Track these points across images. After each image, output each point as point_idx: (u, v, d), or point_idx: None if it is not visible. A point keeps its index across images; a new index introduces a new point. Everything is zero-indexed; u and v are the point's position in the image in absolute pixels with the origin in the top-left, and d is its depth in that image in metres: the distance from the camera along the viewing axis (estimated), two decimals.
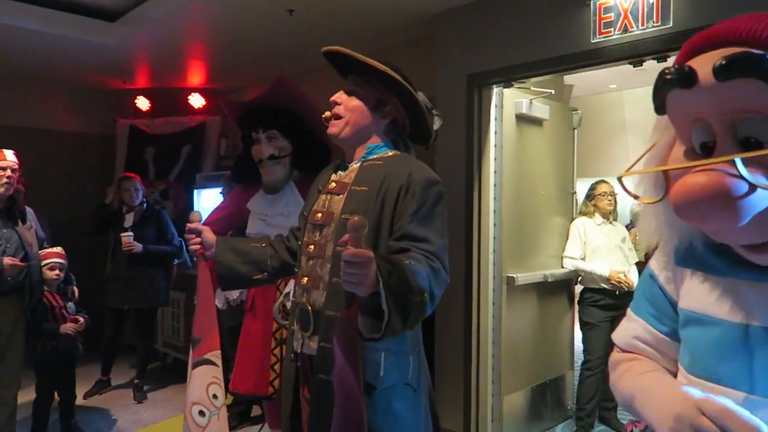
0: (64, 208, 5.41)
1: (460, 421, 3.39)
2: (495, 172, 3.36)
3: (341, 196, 1.63)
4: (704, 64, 0.74)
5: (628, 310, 1.07)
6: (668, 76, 0.76)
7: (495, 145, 3.36)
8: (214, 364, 1.57)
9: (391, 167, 1.59)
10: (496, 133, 3.36)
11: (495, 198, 3.37)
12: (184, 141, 5.82)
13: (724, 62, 0.71)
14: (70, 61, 4.86)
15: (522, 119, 3.49)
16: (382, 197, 1.54)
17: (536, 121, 3.61)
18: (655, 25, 2.60)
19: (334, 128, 1.67)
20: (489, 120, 3.35)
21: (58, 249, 3.49)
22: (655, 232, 0.91)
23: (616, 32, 2.72)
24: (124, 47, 4.40)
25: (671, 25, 2.54)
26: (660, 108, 0.83)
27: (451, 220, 3.40)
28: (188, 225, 1.78)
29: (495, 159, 3.36)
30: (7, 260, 3.03)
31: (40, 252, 3.35)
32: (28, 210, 3.36)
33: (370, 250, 1.26)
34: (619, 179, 0.84)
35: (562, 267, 3.71)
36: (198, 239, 1.76)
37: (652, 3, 2.60)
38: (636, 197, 0.87)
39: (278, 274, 1.87)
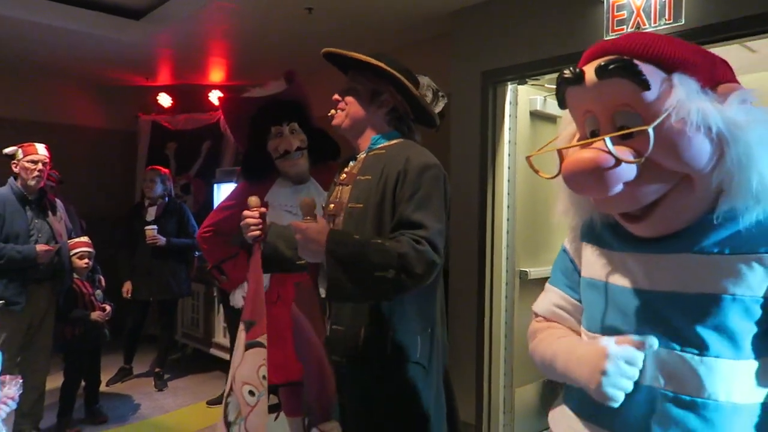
0: (88, 202, 5.56)
1: (472, 412, 3.45)
2: (509, 168, 3.41)
3: (349, 186, 1.71)
4: (591, 67, 0.94)
5: (547, 283, 1.27)
6: (565, 76, 0.97)
7: (509, 142, 3.41)
8: (263, 346, 1.63)
9: (391, 155, 1.65)
10: (510, 129, 3.41)
11: (508, 193, 3.41)
12: (204, 137, 5.93)
13: (602, 64, 0.92)
14: (96, 58, 4.99)
15: (536, 116, 3.54)
16: (383, 184, 1.60)
17: (550, 118, 3.65)
18: (667, 22, 2.63)
19: (336, 120, 1.78)
20: (503, 117, 3.39)
21: (85, 239, 3.63)
22: (565, 212, 1.16)
23: (628, 30, 2.75)
24: (147, 45, 4.52)
25: (683, 22, 2.57)
26: (562, 103, 1.04)
27: (465, 215, 3.47)
28: (247, 212, 1.71)
29: (509, 155, 3.41)
30: (41, 247, 3.17)
31: (69, 241, 3.49)
32: (57, 201, 3.49)
33: (324, 224, 1.49)
34: (528, 159, 1.06)
35: None
36: (259, 223, 1.69)
37: (665, 1, 2.63)
38: (537, 172, 1.09)
39: None
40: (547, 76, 3.34)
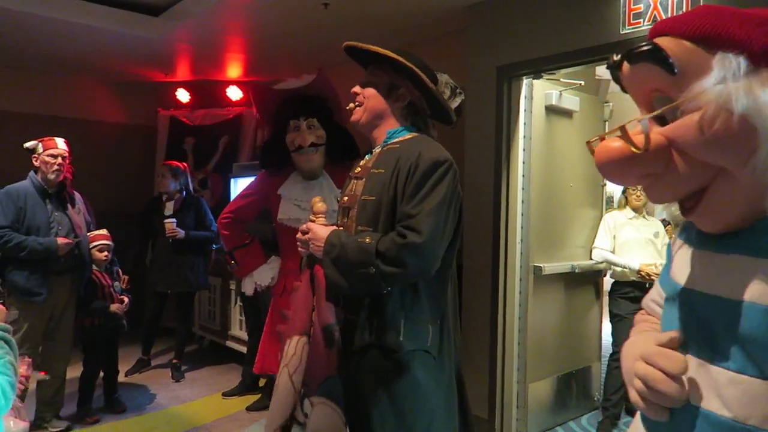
0: (107, 196, 5.65)
1: (485, 406, 3.46)
2: (524, 163, 3.40)
3: (363, 179, 1.73)
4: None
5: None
6: (608, 63, 0.96)
7: (524, 137, 3.40)
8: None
9: (405, 149, 1.67)
10: (525, 124, 3.39)
11: (523, 188, 3.40)
12: (222, 132, 5.99)
13: (631, 49, 0.88)
14: (115, 54, 5.07)
15: (551, 111, 3.52)
16: (395, 178, 1.63)
17: (566, 113, 3.63)
18: None
19: (354, 115, 1.81)
20: (518, 111, 3.38)
21: (104, 231, 3.69)
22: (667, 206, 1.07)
23: (645, 23, 2.73)
24: (166, 41, 4.57)
25: None
26: (624, 89, 0.99)
27: (479, 210, 3.47)
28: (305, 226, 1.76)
29: (524, 150, 3.40)
30: (62, 240, 3.23)
31: (88, 234, 3.55)
32: (77, 194, 3.56)
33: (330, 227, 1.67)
34: (588, 144, 0.99)
35: (591, 258, 3.73)
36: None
37: None
38: (634, 144, 1.00)
39: None
40: (563, 71, 3.32)
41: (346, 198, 1.78)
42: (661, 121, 0.88)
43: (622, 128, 0.85)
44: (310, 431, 1.52)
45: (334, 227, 1.69)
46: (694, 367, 0.86)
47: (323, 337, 1.58)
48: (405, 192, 1.60)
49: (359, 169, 1.79)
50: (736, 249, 0.85)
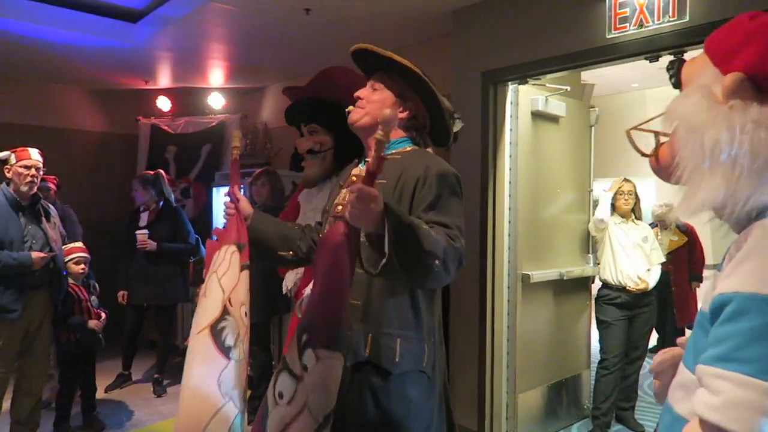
0: (87, 206, 5.52)
1: (474, 418, 3.39)
2: (510, 169, 3.36)
3: None
4: None
5: None
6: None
7: (510, 142, 3.36)
8: (250, 269, 1.65)
9: (409, 161, 1.63)
10: (511, 130, 3.36)
11: (510, 195, 3.36)
12: (204, 140, 5.90)
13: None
14: (93, 62, 4.97)
15: (538, 116, 3.48)
16: (400, 190, 1.58)
17: (552, 118, 3.60)
18: (671, 19, 2.57)
19: (353, 115, 1.74)
20: (504, 117, 3.34)
21: (80, 244, 3.60)
22: None
23: (631, 27, 2.70)
24: (145, 48, 4.49)
25: (688, 19, 2.52)
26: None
27: (466, 217, 3.38)
28: (232, 190, 1.81)
29: (510, 156, 3.36)
30: (36, 254, 3.13)
31: (64, 247, 3.45)
32: (51, 207, 3.45)
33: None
34: (627, 132, 1.01)
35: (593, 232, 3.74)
36: (232, 206, 1.78)
37: None
38: (638, 149, 1.03)
39: (305, 259, 1.91)
40: (549, 76, 3.29)
41: (340, 207, 1.71)
42: None
43: (656, 134, 0.95)
44: (308, 386, 1.30)
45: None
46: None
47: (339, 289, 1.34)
48: (414, 202, 1.56)
49: (354, 178, 1.73)
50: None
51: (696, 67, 0.89)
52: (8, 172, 3.18)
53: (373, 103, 1.70)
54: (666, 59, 2.71)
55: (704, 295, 0.84)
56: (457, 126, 1.83)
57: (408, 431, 1.57)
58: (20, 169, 3.15)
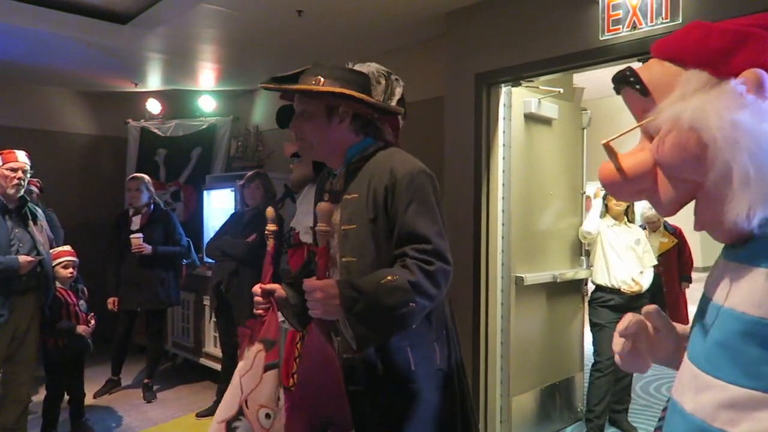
0: (76, 210, 5.47)
1: None
2: (503, 171, 3.35)
3: (339, 206, 1.63)
4: None
5: None
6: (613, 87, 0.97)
7: (503, 145, 3.35)
8: (279, 367, 1.66)
9: (373, 168, 1.59)
10: (504, 132, 3.35)
11: (503, 197, 3.35)
12: (194, 143, 5.86)
13: (614, 75, 0.93)
14: (82, 64, 4.91)
15: (531, 118, 3.48)
16: (372, 201, 1.55)
17: (545, 121, 3.60)
18: (664, 21, 2.57)
19: (305, 155, 1.75)
20: (497, 119, 3.33)
21: (68, 247, 3.55)
22: None
23: (624, 29, 2.71)
24: (135, 50, 4.44)
25: (681, 21, 2.52)
26: None
27: (460, 219, 3.41)
28: (261, 286, 1.71)
29: (503, 158, 3.35)
30: (23, 258, 3.07)
31: (52, 251, 3.40)
32: (39, 210, 3.40)
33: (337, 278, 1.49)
34: (605, 144, 0.96)
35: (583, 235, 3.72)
36: (265, 303, 1.70)
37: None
38: (618, 161, 1.00)
39: None
40: (542, 78, 3.29)
41: (324, 225, 1.64)
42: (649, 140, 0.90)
43: (606, 146, 0.90)
44: None
45: (332, 280, 1.50)
46: (687, 367, 0.88)
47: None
48: (389, 212, 1.54)
49: (327, 195, 1.70)
50: (735, 257, 0.86)
51: (669, 74, 0.86)
52: None
53: (308, 131, 1.63)
54: None
55: (751, 297, 0.79)
56: (398, 90, 1.77)
57: (429, 427, 1.58)
58: (6, 172, 3.10)
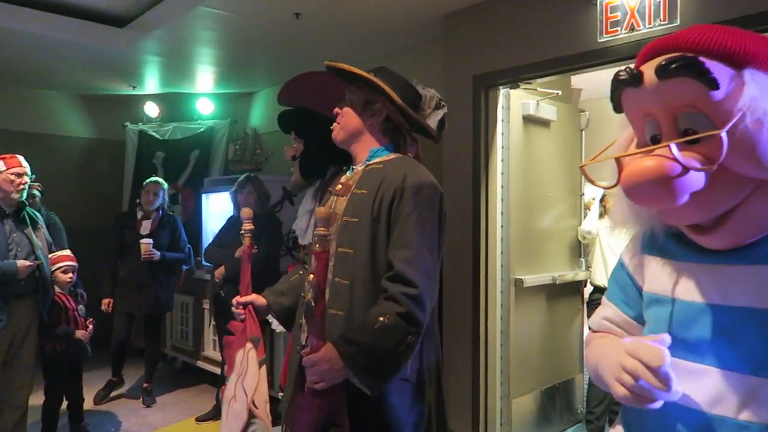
0: (74, 213, 5.44)
1: (468, 424, 3.37)
2: (502, 173, 3.35)
3: (345, 197, 1.70)
4: (649, 67, 0.88)
5: (603, 297, 1.18)
6: (621, 77, 0.90)
7: (502, 147, 3.35)
8: (266, 363, 1.78)
9: (388, 171, 1.65)
10: (503, 134, 3.34)
11: (502, 199, 3.35)
12: (192, 146, 5.85)
13: (663, 63, 0.84)
14: (80, 67, 4.91)
15: (529, 120, 3.48)
16: (379, 201, 1.60)
17: (543, 123, 3.60)
18: (662, 23, 2.57)
19: (334, 133, 1.79)
20: (496, 121, 3.33)
21: (68, 252, 3.53)
22: (624, 221, 1.04)
23: (623, 31, 2.71)
24: (132, 53, 4.44)
25: (679, 23, 2.52)
26: (617, 107, 0.96)
27: (459, 222, 3.40)
28: (237, 299, 1.83)
29: (502, 160, 3.35)
30: (22, 263, 3.07)
31: (51, 255, 3.39)
32: (38, 214, 3.39)
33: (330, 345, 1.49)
34: (582, 168, 0.97)
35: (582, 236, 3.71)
36: (243, 313, 1.83)
37: (659, 1, 2.58)
38: (592, 182, 1.00)
39: None
40: (540, 80, 3.29)
41: (323, 229, 1.69)
42: (682, 137, 0.86)
43: (668, 147, 0.81)
44: None
45: (328, 344, 1.51)
46: (720, 379, 0.86)
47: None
48: (392, 215, 1.58)
49: (340, 186, 1.76)
50: (756, 260, 0.85)
51: (721, 69, 0.84)
52: None
53: (344, 117, 1.75)
54: None
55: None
56: (438, 114, 1.81)
57: None
58: (12, 177, 3.11)
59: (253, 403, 1.68)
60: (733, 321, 0.86)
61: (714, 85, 0.81)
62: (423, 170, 1.66)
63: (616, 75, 0.92)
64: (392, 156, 1.72)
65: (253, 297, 1.84)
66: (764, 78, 0.82)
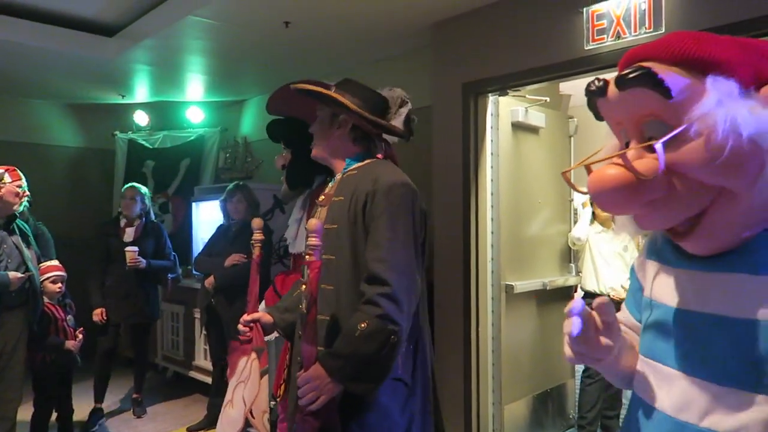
0: (63, 223, 5.41)
1: (461, 430, 3.36)
2: (492, 180, 3.37)
3: (326, 207, 1.77)
4: (614, 78, 0.89)
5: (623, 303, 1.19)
6: (590, 88, 0.92)
7: (491, 153, 3.37)
8: (268, 373, 1.77)
9: (361, 176, 1.71)
10: (492, 141, 3.37)
11: (492, 206, 3.37)
12: (182, 154, 5.84)
13: (621, 74, 0.86)
14: (69, 76, 4.89)
15: (518, 127, 3.50)
16: (354, 205, 1.65)
17: (532, 129, 3.63)
18: (647, 31, 2.61)
19: (312, 153, 1.87)
20: (485, 128, 3.36)
21: (56, 262, 3.51)
22: (622, 226, 1.04)
23: (609, 39, 2.74)
24: (122, 62, 4.43)
25: (663, 30, 2.55)
26: (597, 116, 0.98)
27: (449, 229, 3.42)
28: (244, 318, 1.86)
29: (492, 167, 3.37)
30: (14, 275, 3.05)
31: (40, 266, 3.37)
32: (25, 224, 3.38)
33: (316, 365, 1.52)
34: (564, 174, 0.97)
35: (572, 242, 3.74)
36: (250, 333, 1.85)
37: (644, 9, 2.61)
38: (574, 188, 1.01)
39: None
40: (528, 87, 3.32)
41: (315, 239, 1.74)
42: (648, 147, 0.87)
43: (623, 156, 0.83)
44: None
45: (316, 363, 1.55)
46: (687, 385, 0.87)
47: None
48: (366, 217, 1.62)
49: (323, 197, 1.82)
50: (734, 268, 0.85)
51: (684, 77, 0.84)
52: None
53: (316, 133, 1.84)
54: None
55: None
56: (402, 113, 1.83)
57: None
58: (16, 189, 3.14)
59: (251, 412, 1.71)
60: (706, 328, 0.87)
61: (668, 94, 0.82)
62: (394, 171, 1.70)
63: (587, 86, 0.93)
64: (367, 162, 1.78)
65: (259, 315, 1.87)
66: (727, 84, 0.81)
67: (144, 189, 4.33)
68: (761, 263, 0.83)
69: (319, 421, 1.51)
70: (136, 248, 4.00)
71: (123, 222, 4.21)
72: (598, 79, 0.91)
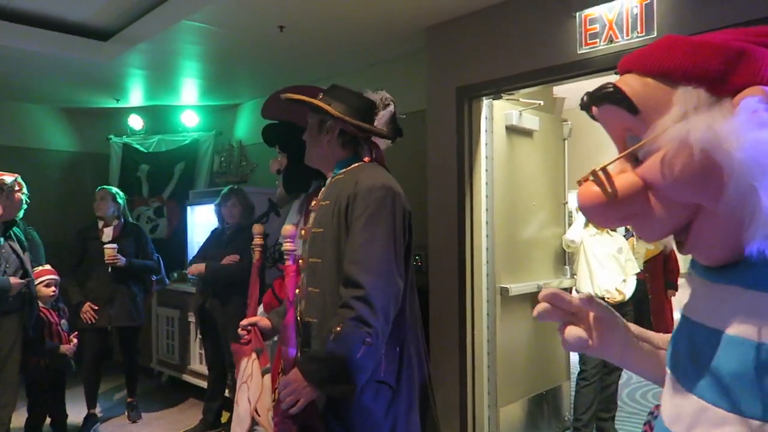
0: (57, 227, 5.40)
1: None
2: (486, 183, 3.38)
3: (315, 212, 1.81)
4: None
5: None
6: (580, 104, 0.91)
7: (486, 157, 3.38)
8: (270, 372, 1.78)
9: (346, 179, 1.73)
10: (486, 144, 3.38)
11: (487, 209, 3.38)
12: (177, 158, 5.83)
13: (588, 93, 0.87)
14: (64, 81, 4.88)
15: (512, 131, 3.52)
16: (337, 208, 1.68)
17: (526, 133, 3.64)
18: (639, 35, 2.63)
19: (305, 160, 1.92)
20: (479, 132, 3.37)
21: (49, 267, 3.51)
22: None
23: (601, 43, 2.76)
24: (116, 66, 4.43)
25: (656, 35, 2.58)
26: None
27: (444, 232, 3.43)
28: (243, 322, 1.89)
29: (486, 170, 3.38)
30: (14, 280, 3.05)
31: (34, 270, 3.36)
32: (19, 231, 3.38)
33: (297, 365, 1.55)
34: (596, 171, 0.91)
35: (566, 245, 3.74)
36: (249, 336, 1.88)
37: (636, 14, 2.64)
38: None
39: None
40: (522, 91, 3.34)
41: (303, 231, 1.84)
42: (631, 159, 0.86)
43: (594, 172, 0.83)
44: None
45: (294, 368, 1.58)
46: (680, 396, 0.86)
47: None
48: (348, 219, 1.64)
49: (314, 202, 1.86)
50: (731, 279, 0.83)
51: (655, 90, 0.82)
52: (6, 197, 3.10)
53: (307, 140, 1.88)
54: None
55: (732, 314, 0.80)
56: (385, 114, 1.86)
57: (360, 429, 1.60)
58: (23, 197, 3.20)
59: (256, 410, 1.74)
60: (702, 339, 0.86)
61: (633, 109, 0.82)
62: (376, 173, 1.72)
63: (581, 99, 0.94)
64: (354, 165, 1.80)
65: (257, 318, 1.90)
66: (695, 95, 0.78)
67: (115, 190, 4.28)
68: (751, 277, 0.80)
69: (297, 425, 1.53)
70: (115, 245, 3.92)
71: (101, 223, 4.16)
72: (586, 93, 0.91)
